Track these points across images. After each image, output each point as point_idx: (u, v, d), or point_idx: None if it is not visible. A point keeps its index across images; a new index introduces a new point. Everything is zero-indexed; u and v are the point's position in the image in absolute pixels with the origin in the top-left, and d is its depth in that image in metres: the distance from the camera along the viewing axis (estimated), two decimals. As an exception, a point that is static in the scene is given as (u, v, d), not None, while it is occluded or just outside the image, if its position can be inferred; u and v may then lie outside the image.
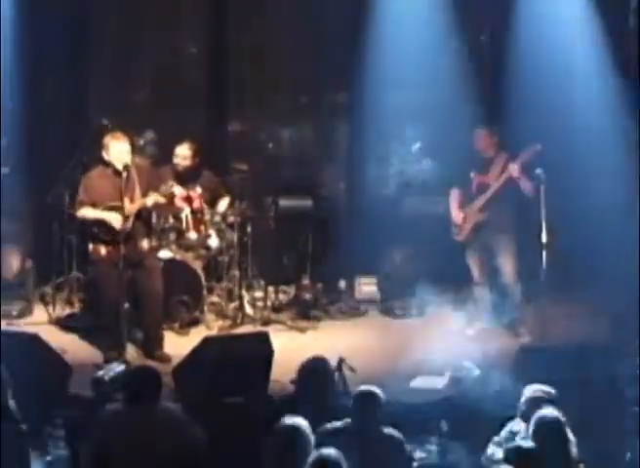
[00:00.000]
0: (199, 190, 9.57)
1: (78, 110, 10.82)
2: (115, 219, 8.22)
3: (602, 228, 9.71)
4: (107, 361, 8.05)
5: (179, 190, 9.28)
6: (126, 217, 8.21)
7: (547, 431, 5.52)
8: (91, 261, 8.80)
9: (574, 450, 5.53)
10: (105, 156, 8.35)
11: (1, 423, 5.65)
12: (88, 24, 10.81)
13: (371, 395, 5.91)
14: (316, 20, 11.08)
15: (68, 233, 9.65)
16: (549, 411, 5.64)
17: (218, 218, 9.60)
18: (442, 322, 9.70)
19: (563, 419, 5.60)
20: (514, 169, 8.75)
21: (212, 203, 9.70)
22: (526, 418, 5.88)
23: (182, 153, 9.59)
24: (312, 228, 10.35)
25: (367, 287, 10.25)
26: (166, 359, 8.29)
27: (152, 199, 8.36)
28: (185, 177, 9.54)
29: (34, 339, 7.50)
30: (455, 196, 9.22)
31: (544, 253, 8.21)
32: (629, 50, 10.45)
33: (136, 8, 10.91)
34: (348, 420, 5.85)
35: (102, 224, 8.32)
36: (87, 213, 8.44)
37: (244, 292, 9.59)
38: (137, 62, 10.99)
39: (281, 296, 10.05)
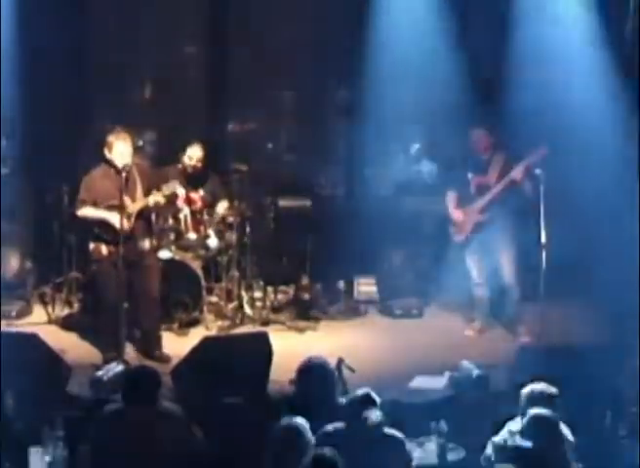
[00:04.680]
0: (202, 192, 9.59)
1: (78, 110, 10.81)
2: (116, 219, 8.21)
3: (601, 228, 9.74)
4: (107, 361, 8.05)
5: (181, 191, 9.29)
6: (127, 217, 8.20)
7: (540, 429, 5.53)
8: (92, 261, 8.79)
9: (568, 450, 5.53)
10: (108, 154, 8.35)
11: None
12: (88, 24, 10.81)
13: (367, 398, 5.91)
14: (316, 20, 11.10)
15: (68, 233, 9.66)
16: (542, 410, 5.64)
17: (217, 219, 9.60)
18: (442, 322, 9.72)
19: (557, 418, 5.60)
20: (519, 171, 8.72)
21: (212, 205, 9.71)
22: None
23: (195, 154, 9.58)
24: (312, 228, 10.35)
25: (366, 287, 10.25)
26: (165, 359, 8.29)
27: (154, 198, 8.36)
28: (193, 179, 9.56)
29: (34, 339, 7.50)
30: (452, 197, 9.21)
31: (544, 252, 8.21)
32: (629, 49, 10.46)
33: (136, 7, 10.92)
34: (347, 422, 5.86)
35: (104, 224, 8.31)
36: (88, 212, 8.43)
37: (243, 293, 9.59)
38: (137, 62, 10.99)
39: (280, 296, 10.05)
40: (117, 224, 8.17)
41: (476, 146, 9.07)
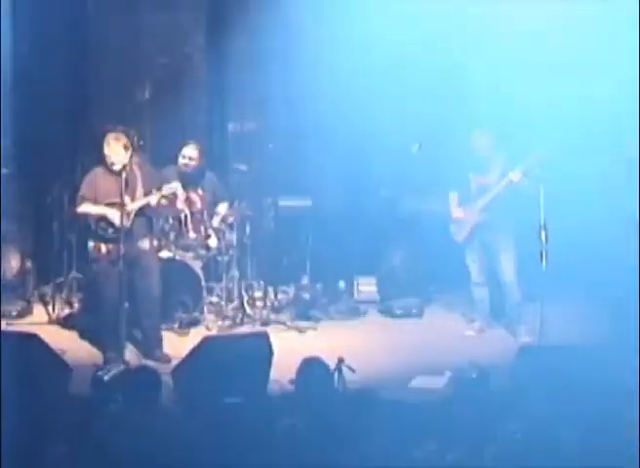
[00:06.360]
0: (201, 192, 9.59)
1: (78, 110, 10.82)
2: (115, 214, 8.22)
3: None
4: (107, 361, 8.06)
5: (181, 191, 9.30)
6: (126, 215, 8.21)
7: None
8: (91, 259, 8.80)
9: None
10: (107, 154, 8.36)
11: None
12: (88, 24, 10.81)
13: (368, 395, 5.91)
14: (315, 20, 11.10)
15: (68, 233, 9.66)
16: None
17: (217, 220, 9.60)
18: (442, 322, 9.72)
19: None
20: (516, 175, 8.75)
21: (212, 204, 9.71)
22: None
23: (189, 154, 9.61)
24: (312, 228, 10.35)
25: (366, 287, 10.25)
26: (165, 359, 8.30)
27: (155, 198, 8.37)
28: (190, 178, 9.57)
29: (34, 339, 7.50)
30: (453, 197, 9.22)
31: (544, 252, 8.20)
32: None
33: (135, 8, 10.91)
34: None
35: (103, 221, 8.32)
36: (88, 208, 8.45)
37: (243, 293, 9.59)
38: (137, 62, 10.99)
39: (281, 296, 10.06)
40: (116, 220, 8.18)
41: (476, 146, 9.07)
